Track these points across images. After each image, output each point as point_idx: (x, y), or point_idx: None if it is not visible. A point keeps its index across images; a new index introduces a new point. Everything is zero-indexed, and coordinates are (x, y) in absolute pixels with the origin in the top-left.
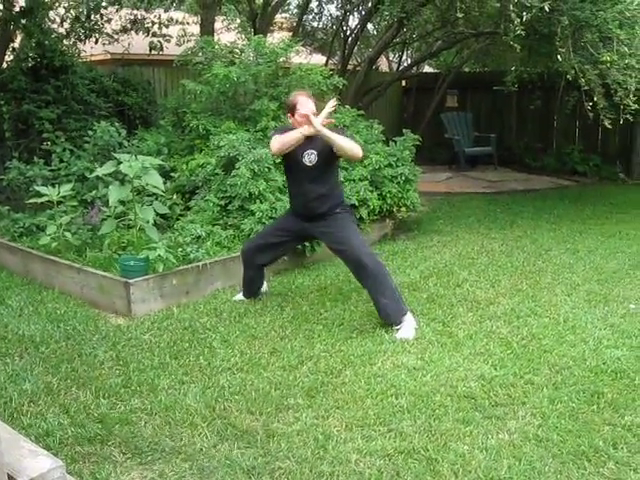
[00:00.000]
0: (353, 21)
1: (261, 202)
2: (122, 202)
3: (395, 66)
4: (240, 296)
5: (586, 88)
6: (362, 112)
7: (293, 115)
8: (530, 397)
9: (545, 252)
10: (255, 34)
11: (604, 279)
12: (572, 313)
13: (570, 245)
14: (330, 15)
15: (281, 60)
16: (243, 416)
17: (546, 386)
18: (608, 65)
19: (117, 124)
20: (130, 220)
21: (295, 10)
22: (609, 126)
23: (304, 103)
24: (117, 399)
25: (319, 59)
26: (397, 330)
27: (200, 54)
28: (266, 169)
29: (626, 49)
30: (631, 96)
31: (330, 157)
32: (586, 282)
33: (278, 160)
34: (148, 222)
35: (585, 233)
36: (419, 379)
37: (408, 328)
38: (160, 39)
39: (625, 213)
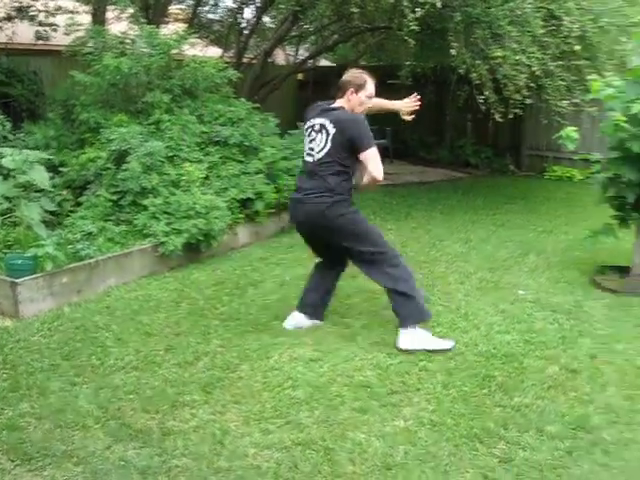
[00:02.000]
0: (250, 14)
1: (154, 197)
2: (7, 198)
3: (292, 59)
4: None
5: (477, 82)
6: (257, 105)
7: (357, 92)
8: (424, 383)
9: (439, 242)
10: (149, 25)
11: (495, 267)
12: (465, 301)
13: (463, 235)
14: (227, 7)
15: (174, 52)
16: (138, 415)
17: (440, 372)
18: (500, 61)
19: (1, 117)
20: (16, 217)
21: (190, 1)
22: (500, 119)
23: (371, 84)
24: (4, 404)
25: (216, 52)
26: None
27: (90, 44)
28: (159, 162)
29: (516, 45)
30: (524, 91)
31: None
32: (478, 270)
33: (171, 154)
34: (34, 219)
35: (477, 223)
36: (316, 370)
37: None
38: (47, 28)
39: (514, 203)
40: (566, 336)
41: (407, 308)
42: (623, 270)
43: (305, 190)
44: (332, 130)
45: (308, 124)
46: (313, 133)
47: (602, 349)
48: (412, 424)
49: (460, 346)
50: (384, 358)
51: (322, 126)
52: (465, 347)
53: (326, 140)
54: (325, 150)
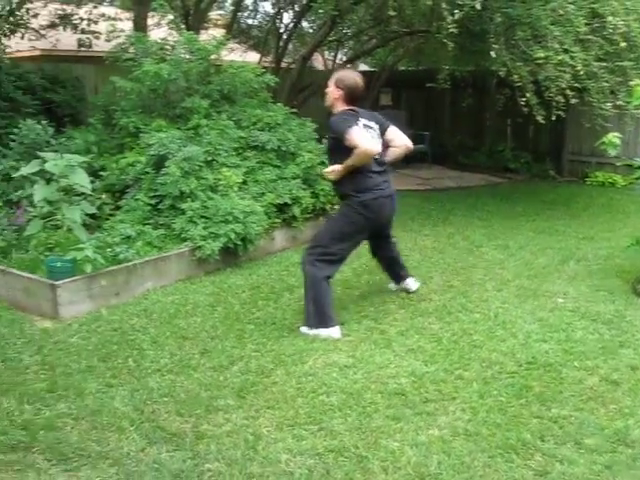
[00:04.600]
0: (289, 19)
1: (192, 201)
2: (49, 202)
3: (331, 64)
4: None
5: (519, 85)
6: (295, 110)
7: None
8: (460, 392)
9: (477, 248)
10: (188, 31)
11: (534, 274)
12: (502, 308)
13: (501, 241)
14: (265, 12)
15: (213, 57)
16: (172, 418)
17: (476, 381)
18: (542, 62)
19: (44, 122)
20: (58, 220)
21: (230, 7)
22: (542, 121)
23: None
24: (42, 404)
25: (255, 57)
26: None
27: (131, 50)
28: (197, 167)
29: (558, 46)
30: (568, 92)
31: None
32: (516, 278)
33: (209, 159)
34: (75, 222)
35: (516, 229)
36: (350, 377)
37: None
38: (89, 36)
39: (555, 210)
40: (606, 346)
41: None
42: None
43: (388, 184)
44: (376, 126)
45: (363, 122)
46: (371, 131)
47: None
48: (447, 433)
49: (497, 355)
50: (420, 366)
51: (367, 126)
52: (503, 356)
53: (377, 138)
54: (380, 146)
